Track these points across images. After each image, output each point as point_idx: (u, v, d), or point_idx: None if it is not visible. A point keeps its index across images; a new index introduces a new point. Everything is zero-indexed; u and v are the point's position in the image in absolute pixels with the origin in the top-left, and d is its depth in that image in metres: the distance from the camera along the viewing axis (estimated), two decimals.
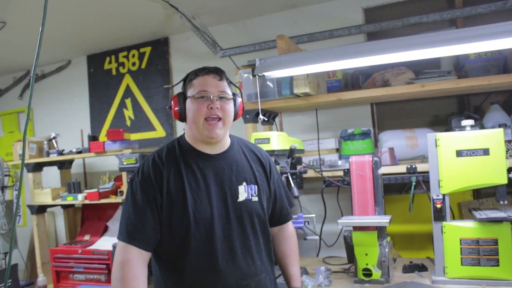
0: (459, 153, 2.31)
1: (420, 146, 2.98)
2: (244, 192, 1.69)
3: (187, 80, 1.72)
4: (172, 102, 1.71)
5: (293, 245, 1.95)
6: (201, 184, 1.65)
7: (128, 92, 4.59)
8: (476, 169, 2.28)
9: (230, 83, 1.75)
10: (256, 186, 1.73)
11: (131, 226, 1.59)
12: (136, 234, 1.58)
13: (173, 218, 1.61)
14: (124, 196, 3.61)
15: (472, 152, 2.30)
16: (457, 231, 2.29)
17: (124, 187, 3.58)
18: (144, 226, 1.59)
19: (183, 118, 1.70)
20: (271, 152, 2.43)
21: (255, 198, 1.72)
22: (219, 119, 1.65)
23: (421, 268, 2.50)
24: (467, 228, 2.29)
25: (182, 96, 1.70)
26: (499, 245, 2.23)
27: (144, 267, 1.59)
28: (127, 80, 4.59)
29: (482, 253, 2.25)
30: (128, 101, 4.59)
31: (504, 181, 2.25)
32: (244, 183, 1.71)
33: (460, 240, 2.28)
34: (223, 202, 1.66)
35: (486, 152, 2.28)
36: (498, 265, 2.23)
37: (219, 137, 1.67)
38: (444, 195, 2.32)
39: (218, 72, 1.68)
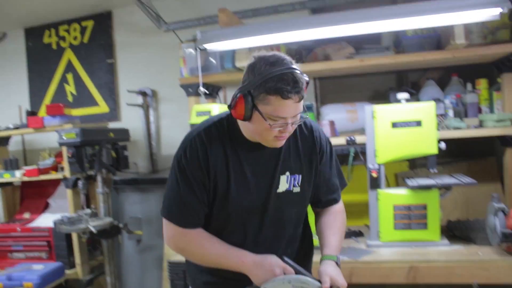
0: (394, 125, 2.42)
1: (360, 120, 3.07)
2: (285, 183, 1.60)
3: (260, 83, 1.37)
4: (237, 104, 1.42)
5: (338, 218, 1.74)
6: (243, 172, 1.55)
7: (69, 67, 4.43)
8: (409, 139, 2.40)
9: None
10: (300, 176, 1.62)
11: (184, 209, 1.54)
12: (189, 218, 1.55)
13: (213, 204, 1.56)
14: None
15: (406, 124, 2.41)
16: (391, 198, 2.41)
17: (65, 163, 3.49)
18: (195, 209, 1.55)
19: (247, 120, 1.47)
20: None
21: (297, 189, 1.62)
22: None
23: (358, 234, 2.62)
24: (400, 195, 2.41)
25: (251, 102, 1.40)
26: (427, 210, 2.37)
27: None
28: (69, 55, 4.43)
29: (413, 218, 2.39)
30: (69, 76, 4.43)
31: (435, 151, 2.39)
32: (288, 173, 1.60)
33: (394, 206, 2.40)
34: (262, 192, 1.58)
35: (419, 123, 2.40)
36: (426, 228, 2.37)
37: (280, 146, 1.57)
38: (380, 165, 2.43)
39: (300, 92, 1.38)
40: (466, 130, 2.72)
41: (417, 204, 2.38)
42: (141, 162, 4.00)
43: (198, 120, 2.55)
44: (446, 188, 2.50)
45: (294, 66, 1.38)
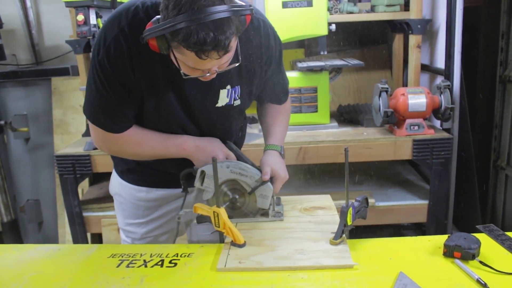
0: (284, 4, 2.34)
1: (253, 2, 2.96)
2: (226, 97, 1.41)
3: (170, 32, 1.06)
4: (149, 40, 1.13)
5: (283, 111, 1.65)
6: (178, 84, 1.32)
7: None
8: (300, 20, 2.35)
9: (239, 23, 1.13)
10: (239, 87, 1.42)
11: (111, 114, 1.35)
12: (117, 124, 1.36)
13: (144, 110, 1.37)
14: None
15: (297, 4, 2.34)
16: None
17: None
18: (123, 113, 1.35)
19: None
20: None
21: (238, 102, 1.44)
22: None
23: (252, 120, 2.62)
24: (291, 78, 2.36)
25: (166, 44, 1.13)
26: (318, 92, 2.40)
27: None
28: None
29: (303, 101, 2.41)
30: None
31: (325, 32, 2.37)
32: (228, 86, 1.40)
33: None
34: (199, 106, 1.39)
35: (309, 3, 2.34)
36: (316, 111, 2.42)
37: None
38: None
39: (223, 46, 1.07)
40: (358, 14, 2.72)
41: (307, 86, 2.39)
42: (22, 55, 3.62)
43: None
44: (336, 71, 2.53)
45: (220, 8, 1.03)
